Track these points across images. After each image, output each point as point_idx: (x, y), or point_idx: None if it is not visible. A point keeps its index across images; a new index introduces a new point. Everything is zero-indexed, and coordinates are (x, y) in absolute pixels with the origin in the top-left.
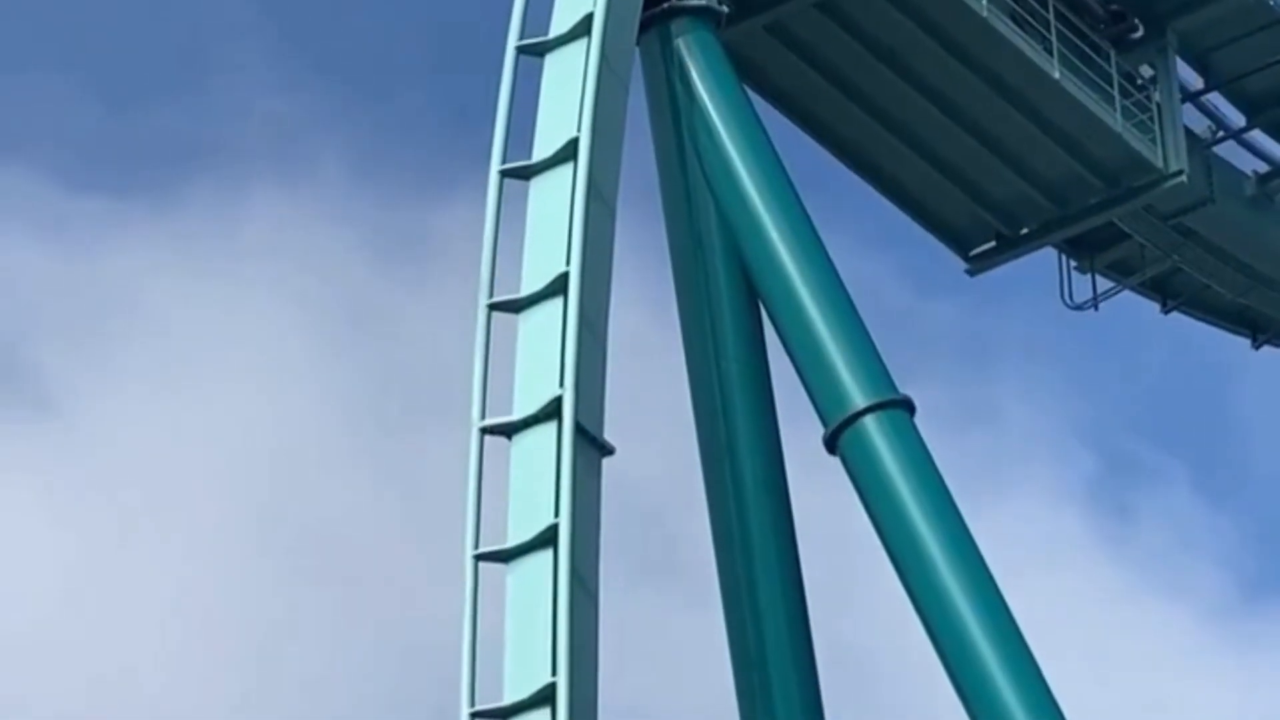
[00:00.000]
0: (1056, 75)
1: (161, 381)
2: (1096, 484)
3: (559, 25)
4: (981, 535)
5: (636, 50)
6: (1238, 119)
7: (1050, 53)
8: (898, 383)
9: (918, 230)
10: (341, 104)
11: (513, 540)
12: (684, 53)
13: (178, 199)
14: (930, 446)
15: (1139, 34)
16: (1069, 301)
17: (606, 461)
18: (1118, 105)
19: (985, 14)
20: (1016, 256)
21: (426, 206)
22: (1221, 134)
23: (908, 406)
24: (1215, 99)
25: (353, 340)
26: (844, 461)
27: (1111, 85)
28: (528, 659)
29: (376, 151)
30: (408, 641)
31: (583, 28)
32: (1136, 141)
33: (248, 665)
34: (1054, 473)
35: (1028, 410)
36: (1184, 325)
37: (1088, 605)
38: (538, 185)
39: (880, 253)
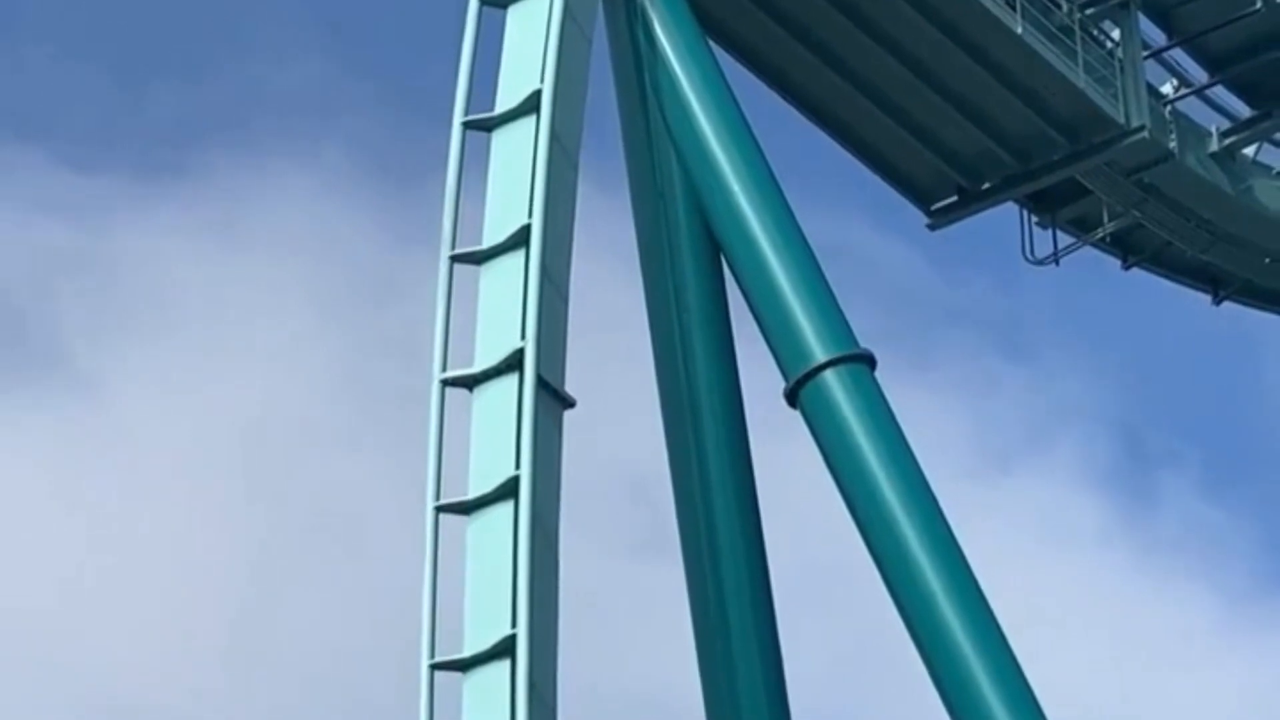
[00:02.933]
0: (1019, 30)
1: (177, 354)
2: (1116, 464)
3: None
4: (998, 510)
5: (600, 2)
6: (1200, 75)
7: (1014, 7)
8: (926, 358)
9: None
10: (353, 79)
11: (474, 492)
12: (647, 5)
13: (190, 177)
14: (956, 419)
15: None
16: (1030, 257)
17: (616, 433)
18: (1080, 60)
19: None
20: (978, 211)
21: (435, 182)
22: (1184, 90)
23: (869, 361)
24: (1178, 55)
25: (362, 313)
26: (804, 415)
27: (1074, 40)
28: (488, 611)
29: (387, 127)
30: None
31: None
32: (1099, 97)
33: (245, 628)
34: (1074, 450)
35: (1051, 384)
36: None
37: (1105, 584)
38: (500, 137)
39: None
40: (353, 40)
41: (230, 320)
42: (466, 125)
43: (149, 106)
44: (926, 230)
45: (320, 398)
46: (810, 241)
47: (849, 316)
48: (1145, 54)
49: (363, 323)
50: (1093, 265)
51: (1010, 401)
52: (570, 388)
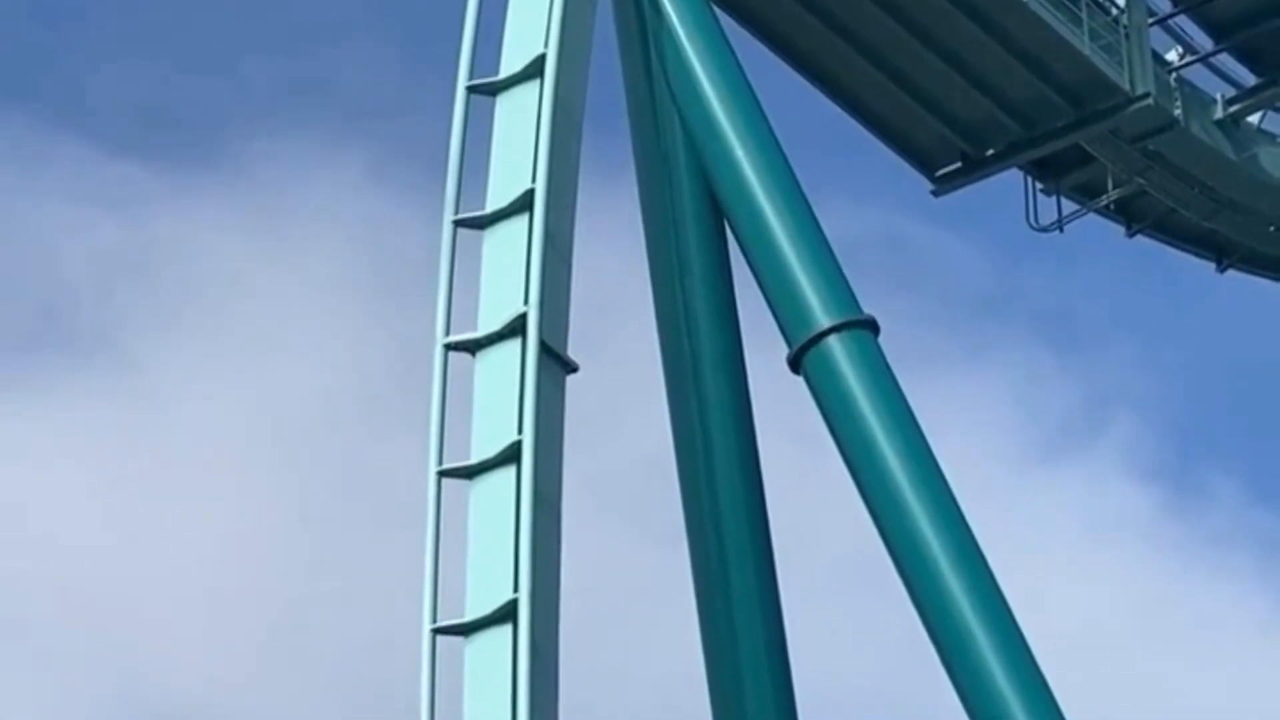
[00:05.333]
0: None
1: (221, 341)
2: (1165, 457)
3: None
4: (1044, 501)
5: None
6: (1205, 43)
7: None
8: (976, 347)
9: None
10: (394, 66)
11: (476, 456)
12: None
13: (233, 167)
14: (1004, 408)
15: None
16: (1034, 224)
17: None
18: (1085, 27)
19: None
20: (982, 178)
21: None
22: (1189, 57)
23: (872, 327)
24: (1183, 22)
25: (404, 301)
26: (807, 381)
27: (1080, 7)
28: (490, 575)
29: (428, 114)
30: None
31: None
32: (1103, 64)
33: (284, 609)
34: (1122, 443)
35: (1100, 375)
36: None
37: (1150, 577)
38: (504, 101)
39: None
40: (395, 25)
41: (272, 307)
42: (471, 89)
43: (193, 96)
44: (982, 222)
45: (362, 383)
46: (860, 232)
47: (900, 305)
48: (1150, 21)
49: (404, 310)
50: (1147, 251)
51: (1058, 392)
52: (615, 380)
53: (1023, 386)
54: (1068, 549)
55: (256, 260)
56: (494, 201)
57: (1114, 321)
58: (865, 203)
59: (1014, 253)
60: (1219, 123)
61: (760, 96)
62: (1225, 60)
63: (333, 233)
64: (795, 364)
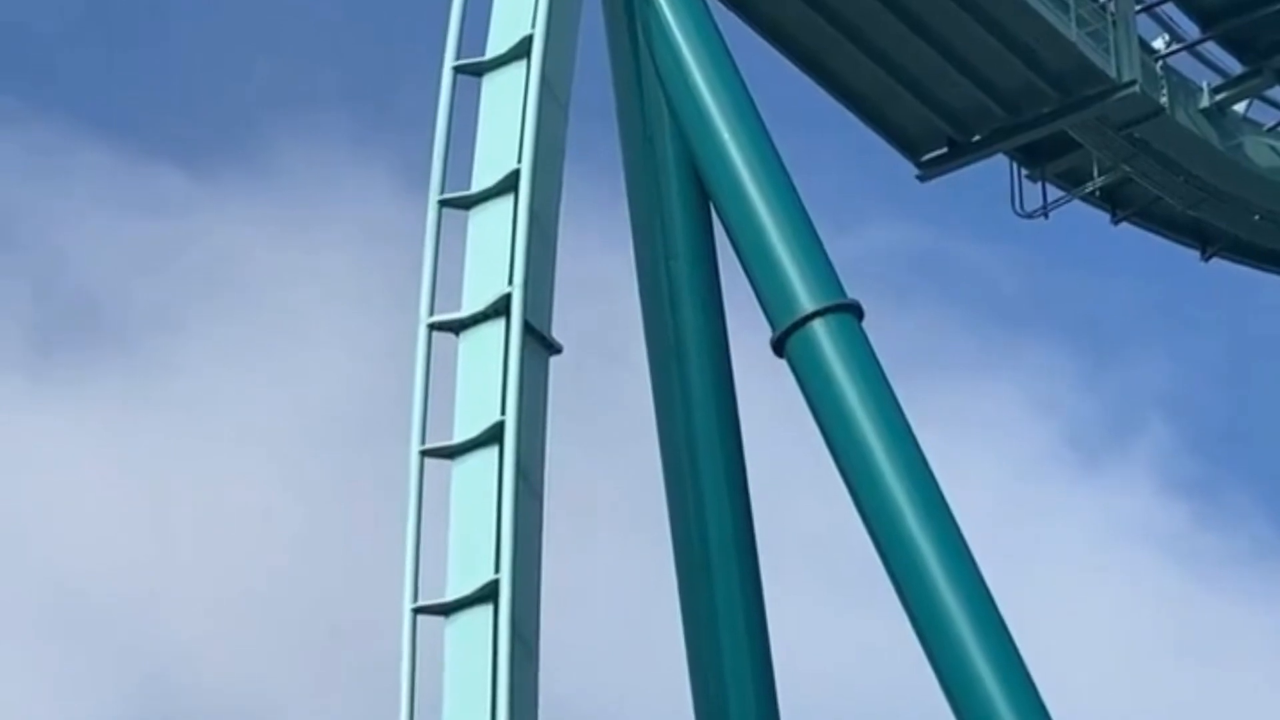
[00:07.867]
0: None
1: (246, 339)
2: (1194, 471)
3: None
4: (1067, 510)
5: None
6: (1192, 30)
7: None
8: (1004, 354)
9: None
10: (416, 69)
11: (459, 437)
12: None
13: (260, 164)
14: (1031, 417)
15: None
16: (1019, 210)
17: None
18: (1073, 14)
19: None
20: (967, 163)
21: None
22: (1176, 45)
23: (856, 311)
24: (1170, 10)
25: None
26: (791, 364)
27: None
28: (471, 555)
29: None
30: None
31: None
32: (1090, 51)
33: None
34: (1150, 454)
35: (1130, 386)
36: None
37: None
38: (491, 81)
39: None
40: (418, 27)
41: (300, 309)
42: (457, 69)
43: (219, 92)
44: (1004, 226)
45: (386, 382)
46: (881, 238)
47: (931, 313)
48: (1138, 8)
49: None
50: (1176, 257)
51: (1082, 399)
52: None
53: (1046, 393)
54: (1091, 559)
55: (285, 262)
56: (479, 182)
57: (1141, 326)
58: (887, 210)
59: (1037, 257)
60: (1205, 111)
61: (751, 84)
62: (1212, 48)
63: (359, 234)
64: (779, 347)
